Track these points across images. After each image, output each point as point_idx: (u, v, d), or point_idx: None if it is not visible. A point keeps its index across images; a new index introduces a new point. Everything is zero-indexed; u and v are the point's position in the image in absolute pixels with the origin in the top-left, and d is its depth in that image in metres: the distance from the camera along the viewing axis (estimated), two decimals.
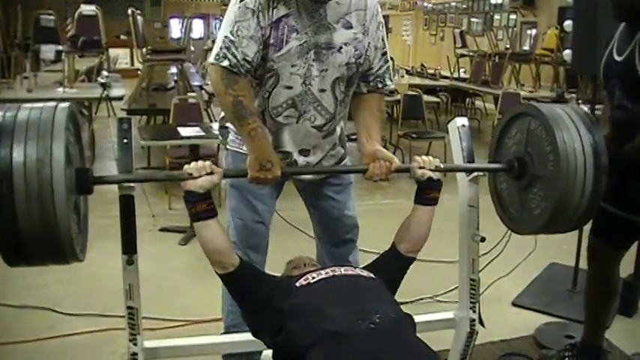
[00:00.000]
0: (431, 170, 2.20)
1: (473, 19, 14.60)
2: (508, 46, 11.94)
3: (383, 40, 2.41)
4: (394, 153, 7.12)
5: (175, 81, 8.76)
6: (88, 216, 1.97)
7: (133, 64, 13.08)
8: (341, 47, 2.26)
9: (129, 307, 2.03)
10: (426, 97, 7.76)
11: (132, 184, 1.96)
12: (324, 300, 2.07)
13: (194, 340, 2.43)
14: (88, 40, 7.68)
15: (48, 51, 8.09)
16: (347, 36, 2.27)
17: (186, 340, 2.44)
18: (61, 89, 7.27)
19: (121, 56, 13.71)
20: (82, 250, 1.81)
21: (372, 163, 2.26)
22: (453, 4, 15.41)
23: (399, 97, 7.33)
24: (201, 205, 1.99)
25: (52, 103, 1.73)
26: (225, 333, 2.66)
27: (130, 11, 7.95)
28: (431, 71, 11.29)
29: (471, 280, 2.40)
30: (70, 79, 7.80)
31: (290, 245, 3.72)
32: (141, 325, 2.06)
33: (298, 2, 2.18)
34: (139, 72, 9.11)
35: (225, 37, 2.12)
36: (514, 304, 3.65)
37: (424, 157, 2.24)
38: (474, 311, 2.40)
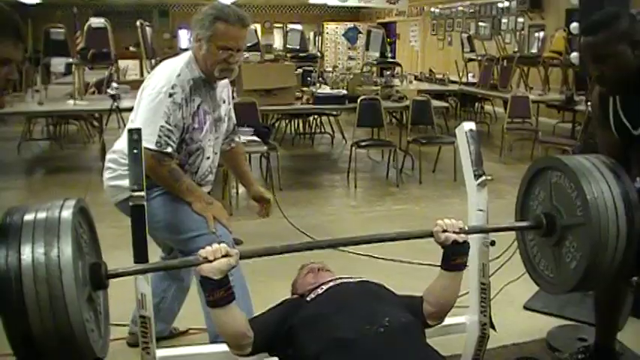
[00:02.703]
0: (455, 233, 2.09)
1: (480, 24, 14.57)
2: (516, 49, 11.91)
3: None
4: (404, 159, 7.17)
5: None
6: (108, 312, 1.90)
7: (142, 75, 13.14)
8: (224, 118, 2.88)
9: (141, 317, 2.04)
10: (435, 102, 7.75)
11: (142, 194, 1.97)
12: (331, 309, 2.09)
13: (206, 348, 2.44)
14: (97, 53, 7.74)
15: (58, 64, 8.17)
16: (225, 109, 2.89)
17: (199, 349, 2.45)
18: (71, 101, 7.34)
19: (130, 68, 13.78)
20: (102, 348, 1.74)
21: None
22: (460, 8, 15.39)
23: (407, 102, 7.33)
24: (219, 292, 1.93)
25: (59, 202, 1.68)
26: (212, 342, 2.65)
27: (138, 23, 8.01)
28: (439, 76, 11.27)
29: (481, 284, 2.40)
30: (81, 92, 7.86)
31: (300, 252, 3.72)
32: (154, 333, 2.07)
33: (206, 89, 2.71)
34: None
35: (162, 126, 2.54)
36: (525, 308, 3.64)
37: (446, 221, 2.12)
38: (485, 315, 2.40)
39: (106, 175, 2.74)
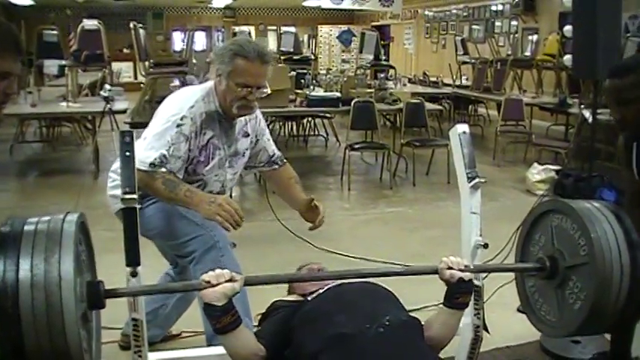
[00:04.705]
0: (460, 270, 2.05)
1: (474, 27, 14.60)
2: (509, 52, 11.95)
3: (267, 130, 3.00)
4: (397, 161, 7.18)
5: None
6: (100, 333, 1.86)
7: (136, 77, 13.17)
8: (244, 152, 2.82)
9: (133, 319, 2.03)
10: (429, 105, 7.76)
11: (134, 196, 1.96)
12: (331, 307, 2.09)
13: (199, 352, 2.43)
14: (90, 55, 7.72)
15: (51, 66, 8.15)
16: (246, 143, 2.82)
17: (192, 352, 2.44)
18: (64, 104, 7.32)
19: (124, 70, 13.80)
20: None
21: None
22: (454, 11, 15.42)
23: (401, 105, 7.33)
24: (226, 319, 1.88)
25: (61, 215, 1.63)
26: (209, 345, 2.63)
27: (132, 25, 8.00)
28: (433, 79, 11.29)
29: (474, 287, 2.39)
30: (74, 94, 7.84)
31: (295, 256, 3.73)
32: (145, 336, 2.06)
33: (220, 125, 2.65)
34: (141, 85, 9.17)
35: (162, 154, 2.48)
36: (519, 311, 3.63)
37: (452, 258, 2.09)
38: (479, 318, 2.40)
39: (108, 184, 2.73)
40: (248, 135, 2.83)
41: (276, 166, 2.98)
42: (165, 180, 2.46)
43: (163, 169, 2.47)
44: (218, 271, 1.88)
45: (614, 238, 1.96)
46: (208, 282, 1.85)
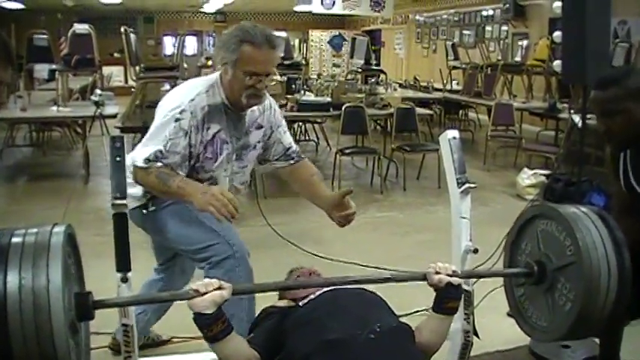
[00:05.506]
0: (448, 275, 2.05)
1: (464, 32, 14.65)
2: (500, 57, 12.00)
3: (283, 122, 2.85)
4: (388, 166, 7.19)
5: None
6: (89, 345, 1.83)
7: (126, 81, 13.09)
8: (255, 145, 2.70)
9: (124, 325, 2.03)
10: (419, 110, 7.79)
11: (124, 202, 1.96)
12: (323, 313, 2.09)
13: (189, 357, 2.43)
14: (81, 59, 7.70)
15: (42, 70, 8.13)
16: (259, 135, 2.69)
17: (184, 357, 2.44)
18: (54, 108, 7.29)
19: (114, 74, 13.73)
20: None
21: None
22: (445, 16, 15.47)
23: (392, 110, 7.36)
24: (217, 326, 1.86)
25: (48, 227, 1.60)
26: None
27: (123, 29, 7.98)
28: (424, 84, 11.33)
29: (464, 292, 2.40)
30: (64, 98, 7.82)
31: (287, 260, 3.72)
32: (136, 342, 2.06)
33: (228, 117, 2.52)
34: (132, 90, 9.13)
35: (159, 149, 2.38)
36: (509, 315, 3.64)
37: (439, 264, 2.08)
38: (469, 322, 2.40)
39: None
40: (262, 127, 2.70)
41: (292, 161, 2.84)
42: (159, 173, 2.36)
43: (159, 164, 2.37)
44: (206, 280, 1.89)
45: (599, 236, 1.98)
46: (197, 291, 1.84)
